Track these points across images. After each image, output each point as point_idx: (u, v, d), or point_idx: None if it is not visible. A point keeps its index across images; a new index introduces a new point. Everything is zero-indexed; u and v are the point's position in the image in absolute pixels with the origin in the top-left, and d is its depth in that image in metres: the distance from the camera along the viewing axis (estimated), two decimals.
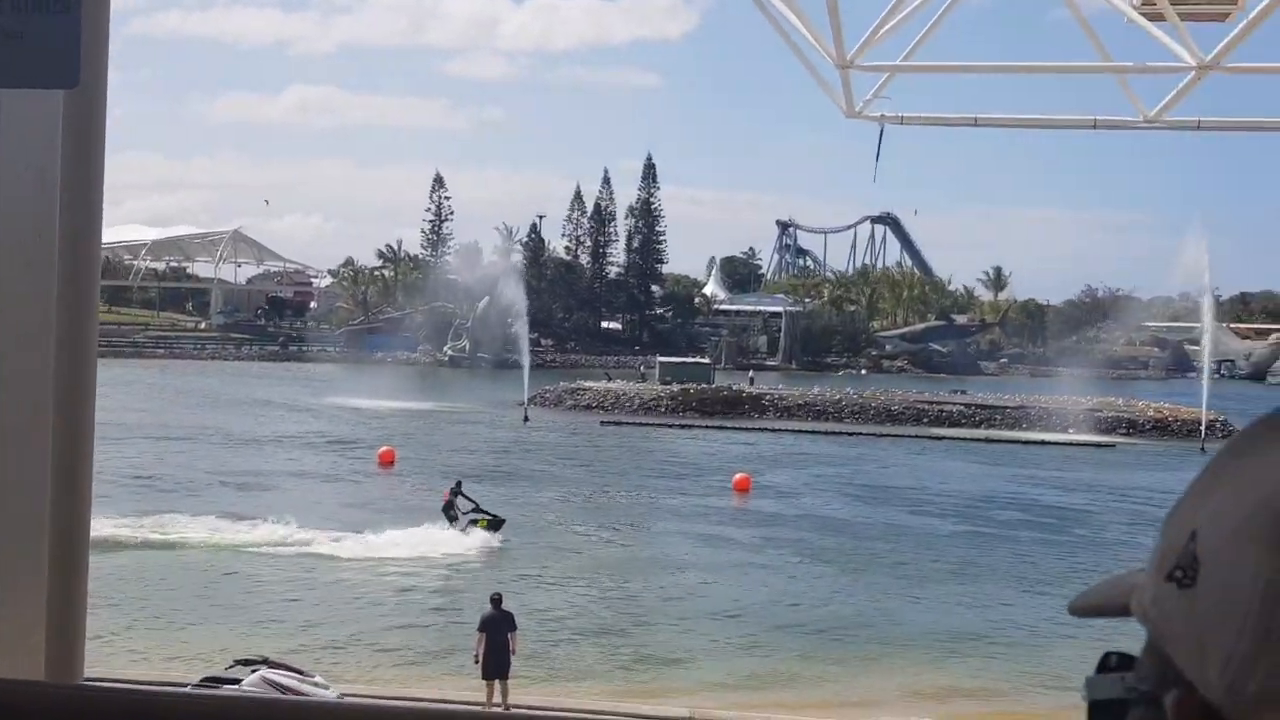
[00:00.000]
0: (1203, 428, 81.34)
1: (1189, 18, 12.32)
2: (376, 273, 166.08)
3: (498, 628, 23.37)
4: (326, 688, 21.19)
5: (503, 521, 40.03)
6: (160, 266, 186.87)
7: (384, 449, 58.68)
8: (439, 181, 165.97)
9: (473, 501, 40.43)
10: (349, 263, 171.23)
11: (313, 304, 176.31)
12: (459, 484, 41.38)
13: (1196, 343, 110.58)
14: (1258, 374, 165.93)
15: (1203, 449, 75.48)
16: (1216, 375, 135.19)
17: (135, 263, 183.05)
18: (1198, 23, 12.81)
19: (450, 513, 39.79)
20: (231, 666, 21.53)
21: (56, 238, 2.46)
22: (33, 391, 2.52)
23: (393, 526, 39.27)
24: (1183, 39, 12.19)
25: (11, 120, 2.37)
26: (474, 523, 39.52)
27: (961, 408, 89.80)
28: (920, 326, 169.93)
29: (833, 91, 12.60)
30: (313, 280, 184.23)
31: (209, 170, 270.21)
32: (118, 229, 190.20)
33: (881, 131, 13.81)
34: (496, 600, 24.14)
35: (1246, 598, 0.85)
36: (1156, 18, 12.40)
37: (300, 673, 21.39)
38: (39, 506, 2.59)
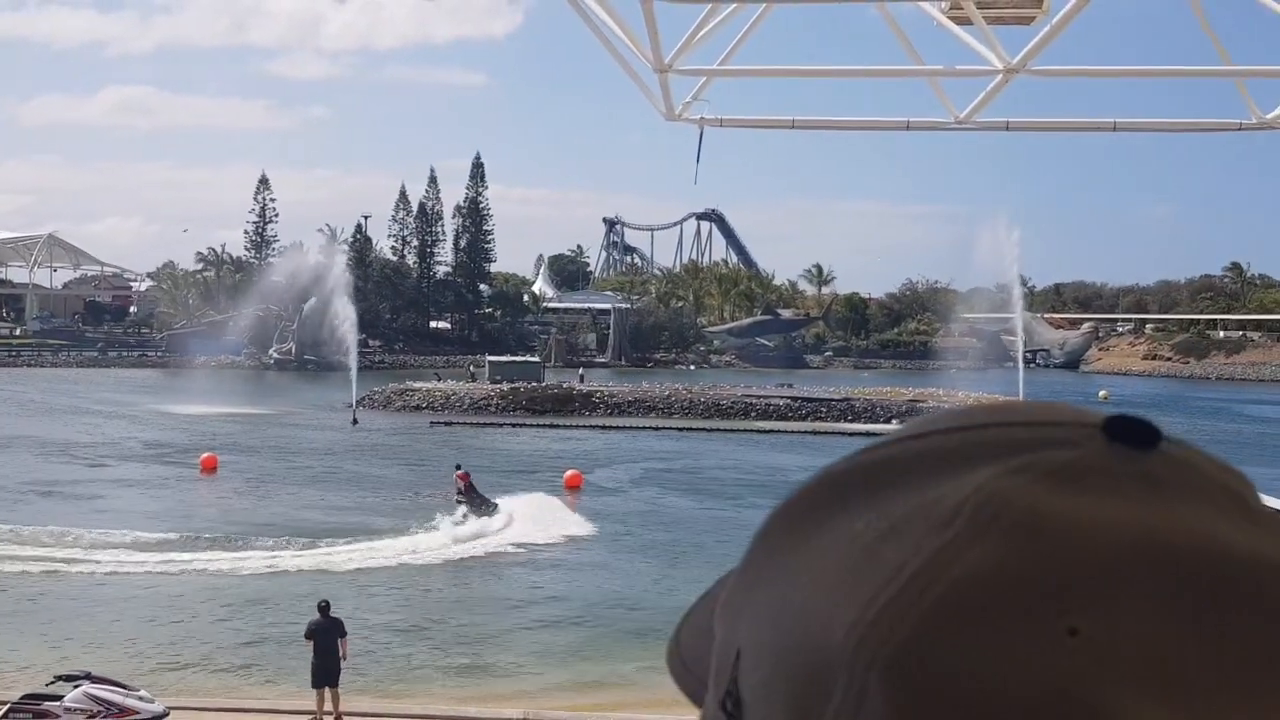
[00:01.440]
0: None
1: (995, 22, 12.73)
2: (198, 275, 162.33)
3: (327, 635, 23.08)
4: (152, 701, 20.74)
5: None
6: None
7: (206, 455, 57.37)
8: (264, 183, 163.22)
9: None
10: (169, 265, 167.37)
11: (132, 308, 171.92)
12: (459, 465, 46.68)
13: (1013, 333, 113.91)
14: (1071, 363, 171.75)
15: None
16: (1032, 365, 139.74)
17: None
18: (1004, 26, 13.25)
19: (470, 498, 44.09)
20: (52, 683, 20.93)
21: None
22: None
23: (213, 535, 38.52)
24: (989, 42, 12.60)
25: None
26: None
27: (788, 401, 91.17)
28: (746, 321, 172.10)
29: (652, 95, 12.73)
30: (131, 284, 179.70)
31: (23, 173, 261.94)
32: None
33: (701, 134, 14.02)
34: (324, 607, 23.81)
35: None
36: (964, 21, 12.79)
37: (125, 687, 20.88)
38: None
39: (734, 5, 11.91)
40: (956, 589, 0.63)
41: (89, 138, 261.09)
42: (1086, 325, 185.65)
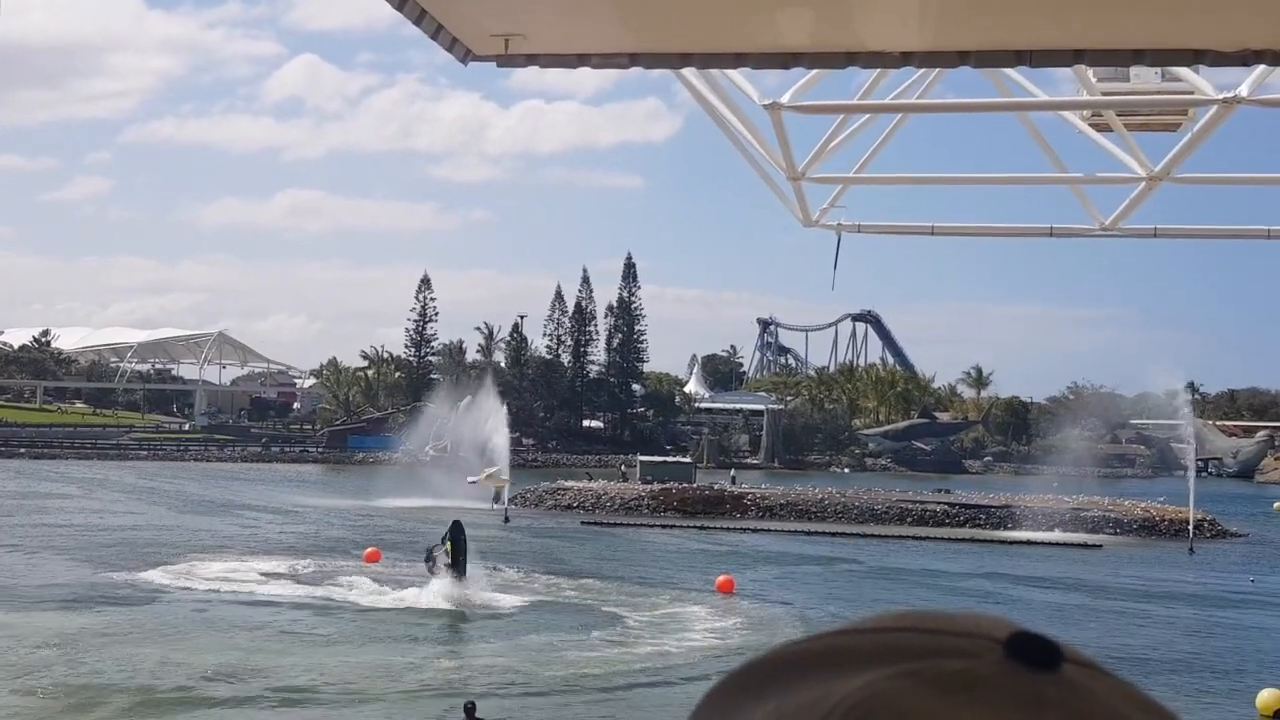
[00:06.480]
0: (1191, 528, 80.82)
1: (1139, 129, 12.42)
2: (359, 373, 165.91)
3: None
4: None
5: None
6: (146, 368, 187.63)
7: (370, 549, 58.47)
8: (425, 283, 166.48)
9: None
10: (332, 363, 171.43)
11: (295, 405, 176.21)
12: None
13: (1183, 440, 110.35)
14: (1245, 472, 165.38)
15: (1191, 550, 74.84)
16: (1204, 474, 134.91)
17: (121, 365, 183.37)
18: (1149, 133, 12.91)
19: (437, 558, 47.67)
20: None
21: None
22: None
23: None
24: (1131, 150, 12.30)
25: None
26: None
27: (946, 507, 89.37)
28: (903, 424, 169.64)
29: (789, 202, 12.69)
30: (296, 381, 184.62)
31: (197, 273, 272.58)
32: (104, 331, 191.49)
33: (839, 240, 13.93)
34: (470, 708, 23.75)
35: None
36: (1106, 129, 12.51)
37: None
38: None
39: (866, 116, 11.83)
40: None
41: (262, 239, 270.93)
42: (1261, 433, 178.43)
